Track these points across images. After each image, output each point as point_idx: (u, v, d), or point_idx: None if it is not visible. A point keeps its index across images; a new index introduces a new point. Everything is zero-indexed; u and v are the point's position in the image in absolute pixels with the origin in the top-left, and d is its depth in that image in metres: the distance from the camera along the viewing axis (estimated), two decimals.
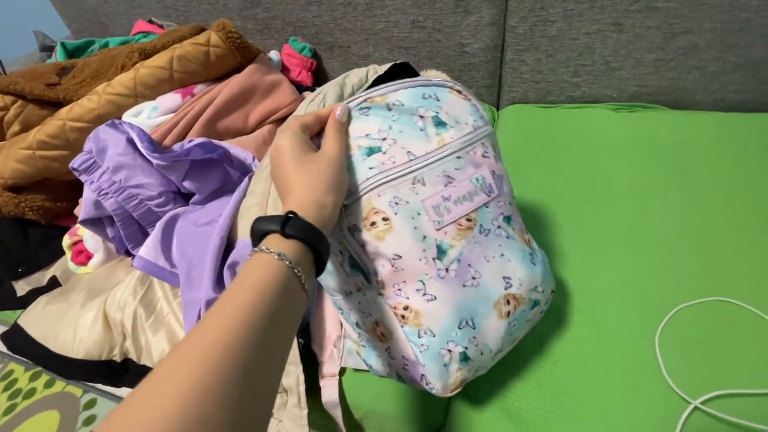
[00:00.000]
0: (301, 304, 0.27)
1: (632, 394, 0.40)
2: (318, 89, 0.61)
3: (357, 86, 0.60)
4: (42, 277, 0.64)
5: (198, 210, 0.56)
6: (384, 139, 0.35)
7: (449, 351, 0.35)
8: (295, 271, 0.25)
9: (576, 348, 0.45)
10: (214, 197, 0.57)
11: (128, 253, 0.61)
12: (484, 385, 0.43)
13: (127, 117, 0.63)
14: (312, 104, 0.55)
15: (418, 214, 0.34)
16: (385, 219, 0.34)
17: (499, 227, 0.37)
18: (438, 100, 0.39)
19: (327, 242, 0.29)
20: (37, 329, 0.53)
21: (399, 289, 0.35)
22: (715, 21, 0.64)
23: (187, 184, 0.55)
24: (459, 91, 0.40)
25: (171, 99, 0.64)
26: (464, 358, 0.35)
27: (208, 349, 0.20)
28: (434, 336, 0.35)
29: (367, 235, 0.34)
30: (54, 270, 0.65)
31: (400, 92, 0.38)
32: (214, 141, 0.58)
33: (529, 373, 0.44)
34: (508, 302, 0.37)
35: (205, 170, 0.55)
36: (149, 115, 0.63)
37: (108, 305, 0.51)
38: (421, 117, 0.37)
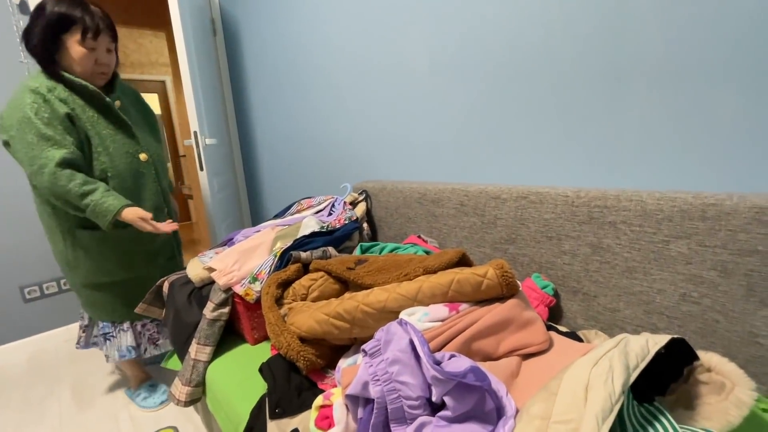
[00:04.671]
0: None
1: None
2: (596, 353, 0.60)
3: (640, 356, 0.58)
4: (286, 426, 0.73)
5: (444, 428, 0.57)
6: None
7: None
8: None
9: None
10: (462, 419, 0.58)
11: None
12: None
13: (403, 314, 0.77)
14: (597, 368, 0.54)
15: None
16: None
17: None
18: None
19: None
20: None
21: None
22: None
23: (447, 400, 0.58)
24: None
25: (440, 310, 0.76)
26: None
27: None
28: None
29: None
30: (297, 422, 0.73)
31: None
32: (482, 368, 0.62)
33: None
34: None
35: (466, 393, 0.58)
36: (420, 318, 0.75)
37: None
38: None
